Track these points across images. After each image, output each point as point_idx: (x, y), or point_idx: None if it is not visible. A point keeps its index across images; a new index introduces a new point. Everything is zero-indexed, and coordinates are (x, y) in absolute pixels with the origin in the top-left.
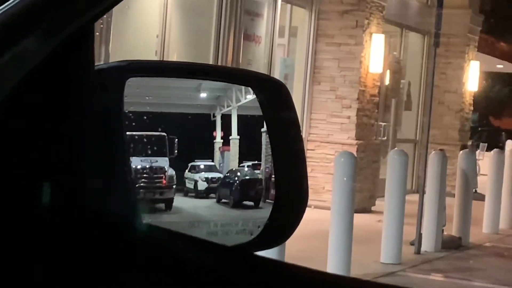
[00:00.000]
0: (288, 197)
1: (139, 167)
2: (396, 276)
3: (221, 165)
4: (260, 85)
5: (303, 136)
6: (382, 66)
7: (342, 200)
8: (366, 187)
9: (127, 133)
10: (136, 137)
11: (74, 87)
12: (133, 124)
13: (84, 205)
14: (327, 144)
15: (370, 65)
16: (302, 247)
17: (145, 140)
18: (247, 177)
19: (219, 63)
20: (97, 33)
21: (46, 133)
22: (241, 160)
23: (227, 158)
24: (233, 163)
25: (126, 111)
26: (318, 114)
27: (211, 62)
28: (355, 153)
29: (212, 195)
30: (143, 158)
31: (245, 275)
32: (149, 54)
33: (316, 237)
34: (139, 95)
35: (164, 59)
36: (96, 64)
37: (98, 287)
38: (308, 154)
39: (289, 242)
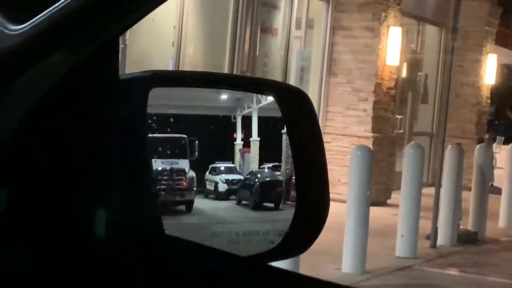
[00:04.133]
0: (309, 211)
1: (159, 169)
2: (412, 270)
3: (242, 167)
4: (283, 95)
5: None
6: (399, 59)
7: (358, 194)
8: (381, 180)
9: (149, 135)
10: (157, 139)
11: (99, 98)
12: (154, 125)
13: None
14: (343, 136)
15: (387, 58)
16: (317, 240)
17: (165, 142)
18: (267, 179)
19: (236, 55)
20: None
21: (73, 143)
22: (261, 161)
23: (248, 159)
24: (253, 165)
25: (148, 116)
26: (335, 106)
27: (227, 54)
28: (371, 146)
29: (233, 197)
30: (163, 160)
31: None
32: (167, 45)
33: (331, 230)
34: (162, 104)
35: (181, 50)
36: (120, 74)
37: None
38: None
39: None
